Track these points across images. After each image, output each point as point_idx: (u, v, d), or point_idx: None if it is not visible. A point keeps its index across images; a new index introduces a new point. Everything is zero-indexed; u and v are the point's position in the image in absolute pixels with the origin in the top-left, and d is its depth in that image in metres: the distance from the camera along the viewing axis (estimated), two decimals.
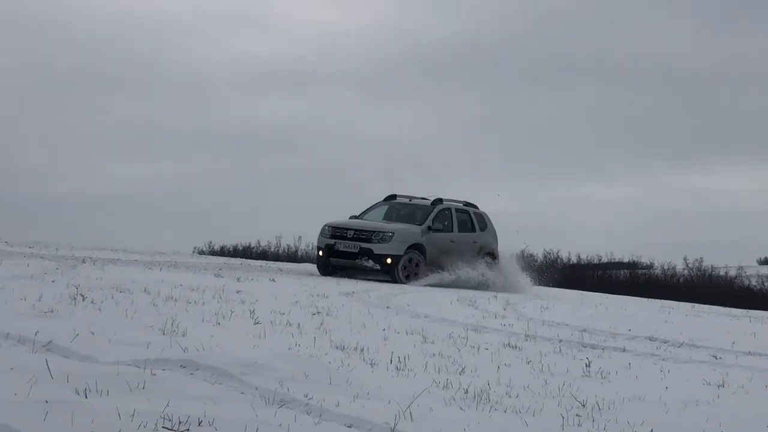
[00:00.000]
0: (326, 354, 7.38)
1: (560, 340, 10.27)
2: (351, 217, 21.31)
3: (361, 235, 19.79)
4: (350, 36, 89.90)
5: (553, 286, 27.16)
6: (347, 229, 20.12)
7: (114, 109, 78.62)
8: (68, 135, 73.81)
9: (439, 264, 19.98)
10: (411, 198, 21.83)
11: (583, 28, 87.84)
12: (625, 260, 57.43)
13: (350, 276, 19.84)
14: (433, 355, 8.06)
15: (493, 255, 21.56)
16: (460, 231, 21.16)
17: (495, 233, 22.22)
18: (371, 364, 7.19)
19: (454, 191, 22.10)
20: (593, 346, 10.03)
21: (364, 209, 21.82)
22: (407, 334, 9.58)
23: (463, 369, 7.41)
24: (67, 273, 12.86)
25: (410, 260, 19.67)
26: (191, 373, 5.77)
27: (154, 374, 5.54)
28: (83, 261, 16.25)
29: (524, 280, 21.34)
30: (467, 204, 22.05)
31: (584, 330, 11.61)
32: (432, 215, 20.63)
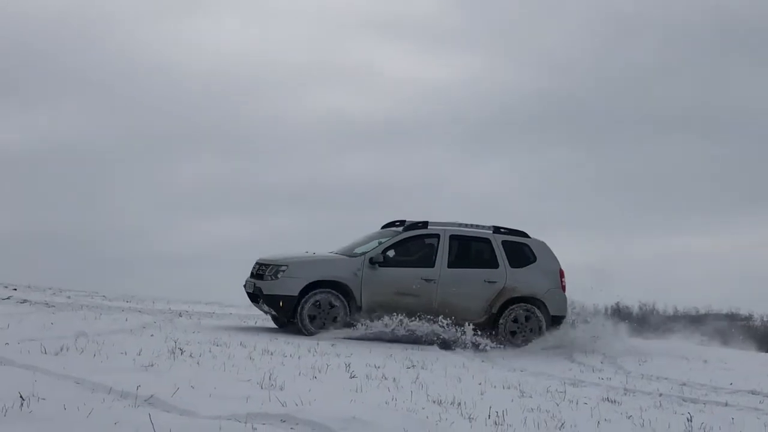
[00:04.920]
0: (423, 408, 7.35)
1: (660, 395, 10.07)
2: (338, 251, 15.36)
3: (259, 271, 14.82)
4: (442, 91, 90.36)
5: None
6: (256, 263, 15.20)
7: (203, 165, 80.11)
8: (159, 191, 75.31)
9: (396, 310, 14.20)
10: (404, 222, 15.56)
11: (673, 78, 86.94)
12: (724, 312, 56.26)
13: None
14: (532, 409, 7.96)
15: (535, 300, 15.14)
16: (455, 266, 14.87)
17: (552, 271, 15.37)
18: (469, 419, 7.14)
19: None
20: (694, 401, 9.81)
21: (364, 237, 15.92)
22: (504, 388, 9.49)
23: (562, 424, 7.31)
24: (165, 327, 13.05)
25: (330, 304, 14.12)
26: (291, 428, 5.80)
27: (255, 429, 5.58)
28: (180, 315, 16.48)
29: None
30: (499, 230, 15.41)
31: (684, 384, 11.36)
32: (387, 244, 14.82)
